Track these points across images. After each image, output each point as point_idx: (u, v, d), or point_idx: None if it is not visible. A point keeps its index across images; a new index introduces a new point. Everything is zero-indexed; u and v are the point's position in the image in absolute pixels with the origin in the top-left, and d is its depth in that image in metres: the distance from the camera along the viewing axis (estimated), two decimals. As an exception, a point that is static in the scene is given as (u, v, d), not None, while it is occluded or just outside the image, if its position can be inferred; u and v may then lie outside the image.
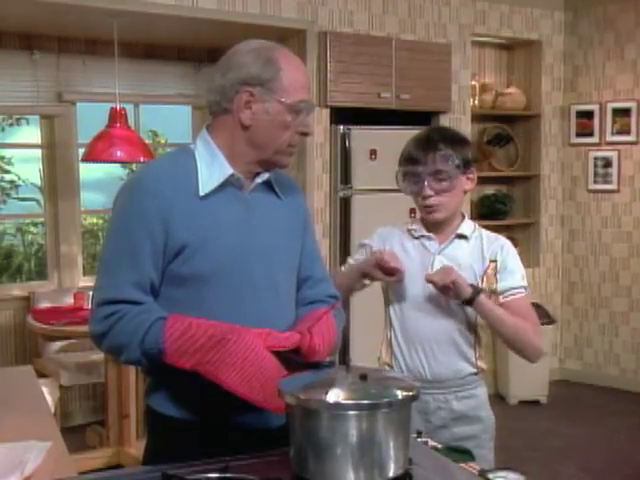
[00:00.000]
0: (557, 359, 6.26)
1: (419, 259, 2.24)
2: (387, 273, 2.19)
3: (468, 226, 2.26)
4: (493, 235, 2.29)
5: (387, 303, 2.31)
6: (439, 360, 2.21)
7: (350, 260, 2.40)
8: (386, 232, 2.33)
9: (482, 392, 2.28)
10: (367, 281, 2.32)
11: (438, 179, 2.16)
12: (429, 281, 2.13)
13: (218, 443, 1.68)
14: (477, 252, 2.23)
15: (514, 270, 2.22)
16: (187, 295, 1.71)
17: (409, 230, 2.29)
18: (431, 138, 2.20)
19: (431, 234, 2.25)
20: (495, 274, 2.21)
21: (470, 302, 2.14)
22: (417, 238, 2.27)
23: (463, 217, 2.29)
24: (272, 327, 1.67)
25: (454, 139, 2.21)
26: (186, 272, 1.70)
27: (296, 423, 1.46)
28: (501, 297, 2.20)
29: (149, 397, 1.81)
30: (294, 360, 1.64)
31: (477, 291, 2.14)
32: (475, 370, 2.25)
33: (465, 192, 2.26)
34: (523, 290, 2.22)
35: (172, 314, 1.65)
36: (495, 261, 2.22)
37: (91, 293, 1.79)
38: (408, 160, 2.20)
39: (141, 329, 1.63)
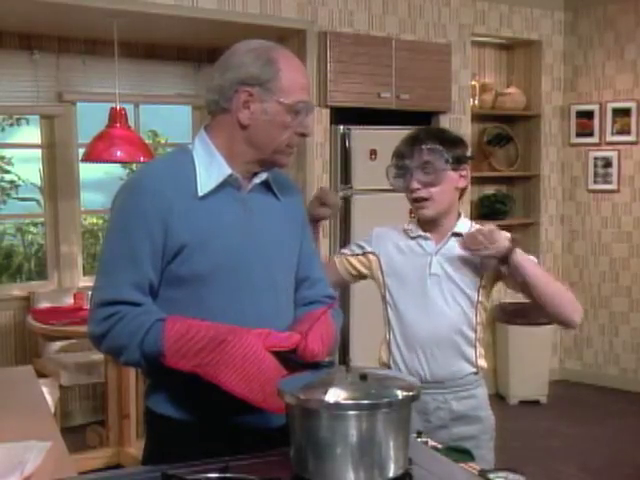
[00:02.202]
0: (557, 359, 6.26)
1: (416, 260, 2.24)
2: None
3: (464, 224, 2.26)
4: None
5: (385, 304, 2.31)
6: (439, 361, 2.21)
7: (343, 250, 2.40)
8: (382, 233, 2.33)
9: (482, 392, 2.28)
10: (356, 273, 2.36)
11: (424, 172, 2.17)
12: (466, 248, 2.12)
13: (218, 444, 1.68)
14: None
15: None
16: (186, 296, 1.71)
17: (405, 230, 2.29)
18: (419, 134, 2.23)
19: (427, 234, 2.25)
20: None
21: (509, 254, 2.07)
22: (413, 238, 2.27)
23: (459, 216, 2.28)
24: (271, 327, 1.66)
25: (443, 137, 2.23)
26: (185, 272, 1.70)
27: (296, 423, 1.46)
28: None
29: (148, 398, 1.80)
30: (294, 360, 1.64)
31: (514, 243, 2.08)
32: (475, 369, 2.24)
33: (459, 190, 2.25)
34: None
35: (171, 315, 1.65)
36: None
37: (90, 293, 1.79)
38: (397, 155, 2.24)
39: (140, 331, 1.63)
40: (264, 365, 1.59)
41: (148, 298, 1.70)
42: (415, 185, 2.18)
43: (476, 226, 2.29)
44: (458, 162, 2.21)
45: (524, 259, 2.11)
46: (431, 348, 2.21)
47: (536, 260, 2.19)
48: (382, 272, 2.29)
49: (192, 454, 1.62)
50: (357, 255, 2.34)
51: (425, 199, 2.19)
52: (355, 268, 2.34)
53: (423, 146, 2.17)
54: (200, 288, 1.70)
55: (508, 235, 2.13)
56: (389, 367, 2.28)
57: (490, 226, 2.09)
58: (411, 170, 2.18)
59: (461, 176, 2.23)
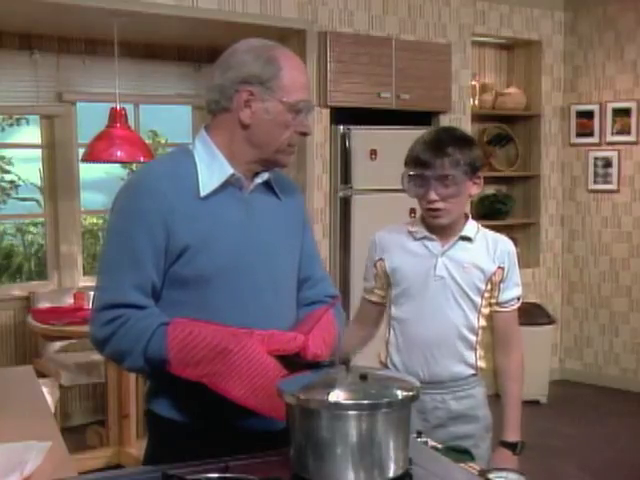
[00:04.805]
0: (557, 359, 6.26)
1: (421, 261, 2.21)
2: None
3: (472, 227, 2.24)
4: (497, 236, 2.27)
5: (389, 304, 2.30)
6: (438, 363, 2.20)
7: (365, 284, 2.37)
8: (384, 236, 2.31)
9: (480, 392, 2.27)
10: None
11: (445, 184, 2.12)
12: None
13: (221, 446, 1.66)
14: (484, 253, 2.22)
15: (517, 281, 2.26)
16: (189, 297, 1.70)
17: (410, 232, 2.26)
18: (441, 141, 2.15)
19: (433, 235, 2.22)
20: (500, 282, 2.22)
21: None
22: (419, 240, 2.23)
23: (467, 218, 2.26)
24: (273, 327, 1.66)
25: (464, 142, 2.17)
26: (188, 273, 1.69)
27: (296, 423, 1.46)
28: (498, 306, 2.24)
29: (150, 401, 1.79)
30: (295, 361, 1.64)
31: (519, 448, 2.23)
32: (474, 371, 2.24)
33: (470, 196, 2.23)
34: (517, 301, 2.27)
35: (174, 319, 1.63)
36: (502, 268, 2.22)
37: (92, 293, 1.78)
38: (415, 162, 2.16)
39: (144, 337, 1.62)
40: (269, 374, 1.58)
41: (151, 300, 1.69)
42: (433, 197, 2.13)
43: (483, 229, 2.28)
44: (475, 170, 2.18)
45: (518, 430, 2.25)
46: (431, 350, 2.20)
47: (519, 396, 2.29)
48: (387, 273, 2.28)
49: (194, 456, 1.61)
50: (375, 277, 2.32)
51: (441, 209, 2.16)
52: (381, 287, 2.32)
53: (446, 158, 2.11)
54: (203, 289, 1.69)
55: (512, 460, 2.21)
56: (386, 367, 2.27)
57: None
58: (430, 181, 2.13)
59: (474, 183, 2.20)
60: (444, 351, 2.20)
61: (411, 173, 2.17)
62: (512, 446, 2.21)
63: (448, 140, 2.15)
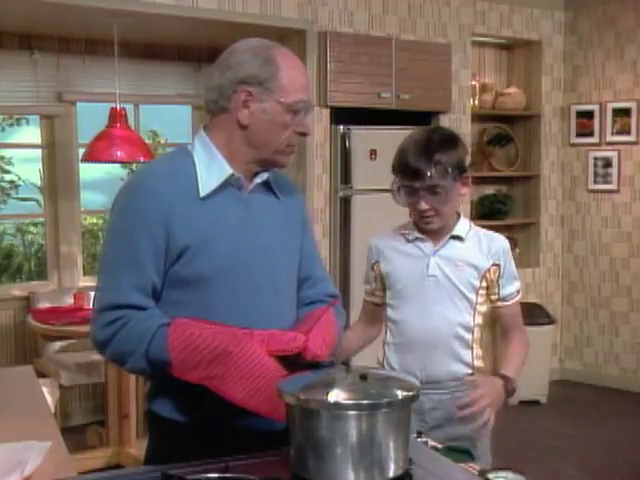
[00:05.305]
0: (557, 359, 6.26)
1: (414, 262, 2.23)
2: None
3: (463, 226, 2.25)
4: (490, 233, 2.29)
5: (384, 305, 2.31)
6: (434, 362, 2.20)
7: (366, 286, 2.39)
8: (379, 242, 2.32)
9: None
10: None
11: (434, 192, 2.13)
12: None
13: (221, 447, 1.66)
14: (476, 250, 2.22)
15: (515, 275, 2.27)
16: (189, 297, 1.70)
17: (403, 234, 2.27)
18: (429, 147, 2.14)
19: (424, 236, 2.23)
20: (498, 279, 2.23)
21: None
22: (411, 241, 2.25)
23: (458, 217, 2.27)
24: (272, 327, 1.66)
25: (449, 144, 2.17)
26: (188, 274, 1.69)
27: (296, 423, 1.46)
28: (501, 302, 2.26)
29: (151, 401, 1.79)
30: (295, 361, 1.64)
31: (510, 387, 2.17)
32: (471, 371, 2.24)
33: (461, 196, 2.23)
34: (517, 293, 2.29)
35: (175, 320, 1.63)
36: (498, 265, 2.23)
37: (92, 293, 1.78)
38: (404, 173, 2.16)
39: (145, 338, 1.62)
40: (270, 375, 1.58)
41: (151, 301, 1.69)
42: (424, 207, 2.14)
43: (476, 227, 2.28)
44: (463, 172, 2.18)
45: (516, 379, 2.20)
46: (428, 350, 2.20)
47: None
48: (382, 276, 2.29)
49: (194, 456, 1.62)
50: (375, 279, 2.33)
51: (432, 215, 2.17)
52: (381, 289, 2.33)
53: (434, 167, 2.10)
54: (203, 289, 1.69)
55: (499, 383, 2.16)
56: (383, 367, 2.28)
57: (477, 396, 2.06)
58: (420, 191, 2.13)
59: (463, 184, 2.20)
60: (440, 350, 2.20)
61: (400, 183, 2.18)
62: (506, 380, 2.16)
63: (436, 146, 2.14)
